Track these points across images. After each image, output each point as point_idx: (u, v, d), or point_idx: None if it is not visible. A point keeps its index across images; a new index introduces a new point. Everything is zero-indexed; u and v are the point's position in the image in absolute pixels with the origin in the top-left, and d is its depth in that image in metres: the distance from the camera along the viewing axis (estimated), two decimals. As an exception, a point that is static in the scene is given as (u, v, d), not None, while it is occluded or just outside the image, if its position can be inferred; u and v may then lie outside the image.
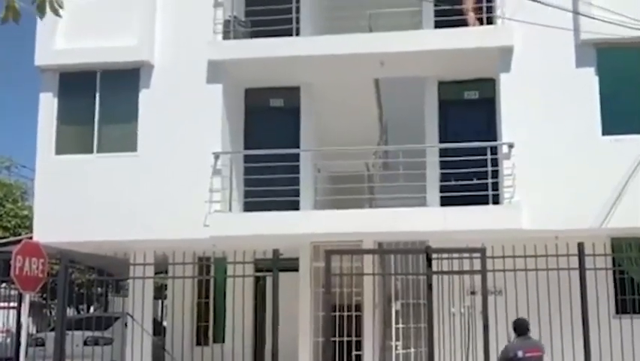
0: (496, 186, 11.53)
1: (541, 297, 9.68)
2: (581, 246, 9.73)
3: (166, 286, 14.44)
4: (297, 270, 12.55)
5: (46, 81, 13.20)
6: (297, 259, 12.55)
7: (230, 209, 12.33)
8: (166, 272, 14.02)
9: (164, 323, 16.61)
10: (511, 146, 11.41)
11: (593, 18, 11.25)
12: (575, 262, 9.76)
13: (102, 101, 13.05)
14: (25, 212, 21.53)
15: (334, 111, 13.37)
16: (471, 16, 12.38)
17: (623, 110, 11.51)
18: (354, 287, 11.89)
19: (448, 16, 12.10)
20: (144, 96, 12.83)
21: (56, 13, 4.19)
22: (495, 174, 11.55)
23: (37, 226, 12.75)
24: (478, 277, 10.00)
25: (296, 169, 12.54)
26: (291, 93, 13.15)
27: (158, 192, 12.31)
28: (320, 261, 11.55)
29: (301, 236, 11.77)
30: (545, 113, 11.52)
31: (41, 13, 4.17)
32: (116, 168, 12.68)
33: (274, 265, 9.80)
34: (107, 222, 12.34)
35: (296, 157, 12.61)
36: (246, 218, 12.12)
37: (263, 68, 12.65)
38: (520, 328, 8.59)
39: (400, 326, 11.87)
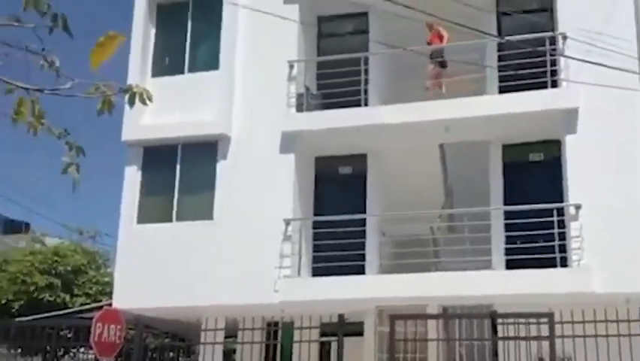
0: (563, 249, 11.27)
1: (613, 364, 9.28)
2: (654, 310, 9.35)
3: (235, 350, 14.68)
4: (362, 334, 12.53)
5: (132, 155, 13.99)
6: (362, 323, 12.54)
7: (299, 274, 12.56)
8: (235, 337, 14.27)
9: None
10: (578, 207, 11.18)
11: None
12: (648, 327, 9.37)
13: (182, 173, 13.70)
14: (107, 279, 22.41)
15: (400, 176, 13.52)
16: (431, 88, 12.62)
17: (695, 169, 11.11)
18: (419, 353, 11.73)
19: (512, 81, 12.17)
20: (221, 167, 13.40)
21: (145, 103, 4.53)
22: (562, 236, 11.31)
23: (116, 292, 13.31)
24: (546, 344, 9.72)
25: (363, 234, 12.69)
26: (359, 160, 13.44)
27: (232, 259, 12.68)
28: (385, 325, 11.51)
29: (367, 300, 11.81)
30: (613, 174, 11.27)
31: (132, 104, 4.51)
32: (193, 235, 13.18)
33: (339, 330, 9.87)
34: (181, 288, 12.75)
35: (363, 222, 12.77)
36: (314, 283, 12.30)
37: (333, 137, 13.05)
38: None
39: (468, 393, 11.57)
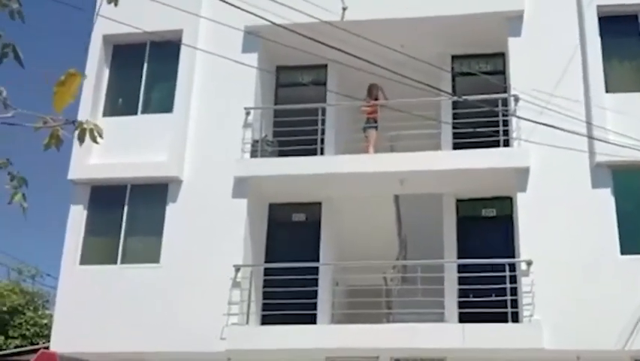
0: (515, 304, 11.40)
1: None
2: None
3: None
4: (311, 385, 12.25)
5: (78, 194, 13.57)
6: (312, 374, 12.29)
7: (247, 322, 12.29)
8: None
9: None
10: (529, 263, 11.37)
11: (608, 142, 11.52)
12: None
13: (130, 214, 13.36)
14: (45, 321, 21.57)
15: (354, 226, 13.57)
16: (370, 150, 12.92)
17: (640, 229, 11.53)
18: (370, 405, 11.55)
19: (466, 138, 12.48)
20: (171, 210, 13.12)
21: (95, 141, 4.30)
22: (514, 291, 11.46)
23: (55, 335, 12.70)
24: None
25: (315, 283, 12.56)
26: (313, 208, 13.43)
27: (177, 304, 12.32)
28: (335, 376, 11.33)
29: (317, 351, 11.59)
30: (563, 231, 11.55)
31: (81, 141, 4.29)
32: (138, 278, 12.78)
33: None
34: (123, 333, 12.29)
35: (315, 271, 12.67)
36: (263, 331, 12.04)
37: (287, 184, 13.01)
38: None
39: None
